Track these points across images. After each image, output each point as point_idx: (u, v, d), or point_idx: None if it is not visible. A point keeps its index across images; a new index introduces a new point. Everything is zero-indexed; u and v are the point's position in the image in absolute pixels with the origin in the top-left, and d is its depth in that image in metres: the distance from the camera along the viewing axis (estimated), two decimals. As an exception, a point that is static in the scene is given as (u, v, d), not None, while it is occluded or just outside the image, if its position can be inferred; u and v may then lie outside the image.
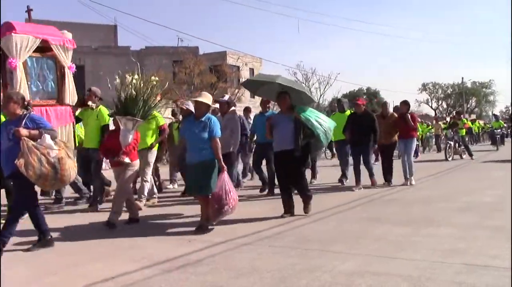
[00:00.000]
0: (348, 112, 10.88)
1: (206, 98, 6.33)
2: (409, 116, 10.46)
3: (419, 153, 21.09)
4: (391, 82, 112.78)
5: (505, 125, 26.18)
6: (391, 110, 11.85)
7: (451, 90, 76.02)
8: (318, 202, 7.74)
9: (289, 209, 6.96)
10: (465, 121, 20.55)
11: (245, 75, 31.60)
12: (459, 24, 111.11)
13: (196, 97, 6.51)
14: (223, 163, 6.08)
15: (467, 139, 19.22)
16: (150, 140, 8.27)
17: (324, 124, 6.95)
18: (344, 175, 10.80)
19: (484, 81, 77.54)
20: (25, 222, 5.79)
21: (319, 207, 7.56)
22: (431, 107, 76.85)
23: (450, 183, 10.71)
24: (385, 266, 4.29)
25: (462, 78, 66.23)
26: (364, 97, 67.24)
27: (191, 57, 22.95)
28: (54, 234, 5.85)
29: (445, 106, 77.26)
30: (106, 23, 33.71)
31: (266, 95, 8.30)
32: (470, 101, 76.29)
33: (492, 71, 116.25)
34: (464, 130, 18.87)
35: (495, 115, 30.72)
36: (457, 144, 17.92)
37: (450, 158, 17.38)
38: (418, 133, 22.99)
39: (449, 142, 17.91)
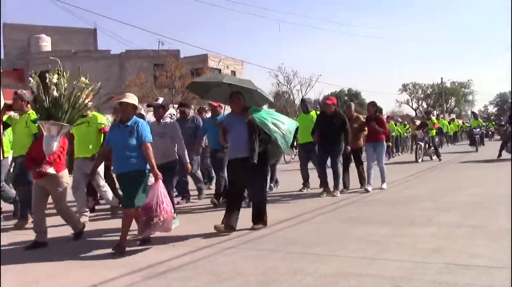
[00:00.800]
0: (313, 113, 10.23)
1: (132, 98, 5.57)
2: (378, 119, 9.88)
3: (393, 155, 21.00)
4: (372, 83, 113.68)
5: (483, 124, 25.11)
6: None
7: (431, 90, 76.96)
8: (301, 204, 7.75)
9: (231, 221, 6.12)
10: (435, 121, 19.63)
11: (226, 77, 31.62)
12: (438, 25, 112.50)
13: (120, 98, 5.69)
14: (157, 171, 5.33)
15: (437, 139, 18.85)
16: (95, 147, 7.39)
17: (283, 127, 6.19)
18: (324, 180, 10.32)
19: (463, 81, 78.74)
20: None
21: (301, 209, 7.58)
22: (412, 107, 77.74)
23: (431, 183, 10.80)
24: (368, 267, 4.30)
25: (442, 78, 67.20)
26: (346, 98, 67.80)
27: (172, 60, 22.85)
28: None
29: (425, 106, 78.12)
30: (86, 27, 33.44)
31: (217, 98, 7.60)
32: (450, 100, 77.33)
33: (470, 71, 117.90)
34: (434, 131, 18.36)
35: (473, 113, 28.90)
36: (427, 145, 17.52)
37: (420, 160, 16.88)
38: (394, 134, 22.50)
39: (419, 143, 17.49)
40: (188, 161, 7.23)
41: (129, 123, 5.45)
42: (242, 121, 6.18)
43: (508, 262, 4.20)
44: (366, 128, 9.76)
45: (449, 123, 33.15)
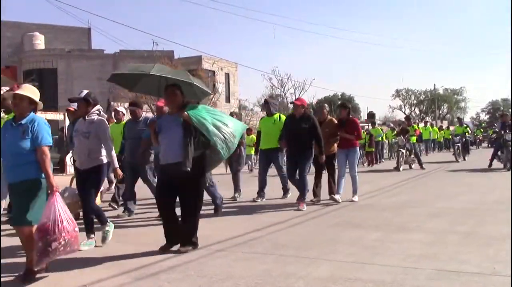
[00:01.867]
0: (276, 115, 9.25)
1: (28, 90, 4.52)
2: (351, 122, 8.97)
3: (377, 161, 20.33)
4: (366, 88, 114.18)
5: (469, 130, 21.99)
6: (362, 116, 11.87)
7: (424, 96, 77.30)
8: (292, 208, 7.76)
9: (172, 239, 5.33)
10: (416, 127, 18.44)
11: (220, 79, 31.60)
12: (432, 32, 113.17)
13: (15, 90, 4.83)
14: (53, 182, 4.32)
15: (417, 147, 17.73)
16: None
17: (225, 129, 5.21)
18: (286, 191, 9.60)
19: (456, 88, 79.16)
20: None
21: (294, 213, 7.60)
22: (404, 113, 77.91)
23: (423, 189, 10.85)
24: (359, 272, 4.31)
25: (434, 84, 67.48)
26: (339, 102, 68.04)
27: (166, 61, 22.80)
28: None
29: (417, 112, 78.50)
30: (80, 26, 33.34)
31: (149, 91, 6.53)
32: (442, 107, 77.66)
33: (463, 78, 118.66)
34: (414, 137, 17.23)
35: (459, 119, 26.08)
36: (408, 153, 16.47)
37: (401, 168, 15.85)
38: (383, 139, 21.69)
39: (401, 150, 16.23)
40: (117, 166, 5.86)
41: (23, 122, 4.40)
42: (177, 120, 5.19)
43: (498, 268, 4.24)
44: (338, 134, 8.93)
45: (439, 129, 33.27)
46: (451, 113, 79.32)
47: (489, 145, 35.42)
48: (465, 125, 21.74)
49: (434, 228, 6.24)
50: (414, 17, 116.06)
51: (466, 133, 20.57)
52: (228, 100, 32.42)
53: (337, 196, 8.63)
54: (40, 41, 31.26)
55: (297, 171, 8.33)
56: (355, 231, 6.16)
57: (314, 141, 8.17)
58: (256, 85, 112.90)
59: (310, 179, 8.51)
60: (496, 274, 4.12)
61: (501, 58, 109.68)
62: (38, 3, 78.79)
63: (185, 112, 5.14)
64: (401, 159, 16.02)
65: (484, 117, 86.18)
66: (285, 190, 9.61)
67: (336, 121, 9.12)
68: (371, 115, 58.82)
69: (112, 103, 21.18)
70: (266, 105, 9.66)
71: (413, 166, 16.57)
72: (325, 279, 4.14)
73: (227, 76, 33.38)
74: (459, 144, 19.84)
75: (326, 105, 10.09)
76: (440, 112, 75.24)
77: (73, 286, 4.17)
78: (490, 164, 15.33)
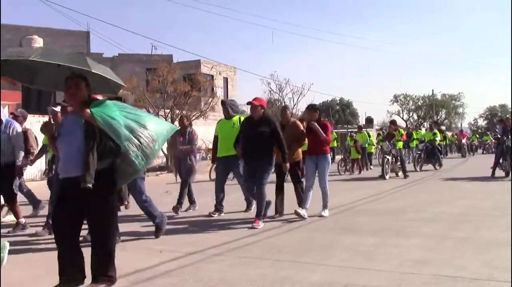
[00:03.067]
0: (236, 118, 8.18)
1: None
2: (321, 126, 7.70)
3: (365, 168, 18.87)
4: (364, 93, 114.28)
5: (438, 138, 19.20)
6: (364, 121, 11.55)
7: (422, 101, 77.44)
8: (289, 212, 7.74)
9: (71, 271, 4.01)
10: (403, 131, 16.93)
11: (219, 83, 31.61)
12: (430, 37, 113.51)
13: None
14: None
15: (404, 153, 16.36)
16: None
17: (142, 132, 4.03)
18: (249, 203, 8.41)
19: (454, 94, 79.35)
20: None
21: (291, 216, 7.57)
22: (402, 118, 78.07)
23: (419, 194, 10.85)
24: (355, 277, 4.30)
25: (433, 90, 67.44)
26: (337, 107, 68.06)
27: (165, 65, 22.80)
28: (16, 247, 5.71)
29: (416, 117, 78.62)
30: (79, 29, 33.33)
31: (52, 85, 4.69)
32: (440, 113, 77.79)
33: (461, 84, 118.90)
34: (401, 143, 15.95)
35: (435, 123, 22.67)
36: (394, 159, 15.31)
37: (387, 176, 14.67)
38: (367, 146, 19.66)
39: (386, 156, 14.88)
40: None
41: None
42: (79, 122, 3.94)
43: (495, 274, 4.23)
44: (305, 139, 7.87)
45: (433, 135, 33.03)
46: (449, 118, 79.49)
47: (484, 151, 34.88)
48: (436, 131, 19.58)
49: (430, 233, 6.23)
50: (412, 23, 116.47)
51: (436, 140, 18.57)
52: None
53: (302, 211, 7.46)
54: (39, 44, 31.20)
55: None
56: (351, 236, 6.15)
57: (276, 147, 7.18)
58: (254, 90, 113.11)
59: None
60: (492, 280, 4.11)
61: (499, 64, 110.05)
62: (37, 6, 79.01)
63: (87, 110, 3.87)
64: (386, 166, 14.78)
65: (482, 123, 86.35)
66: (248, 203, 8.44)
67: (301, 124, 8.00)
68: (369, 120, 58.97)
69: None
70: (224, 107, 8.40)
71: (399, 173, 15.44)
72: (321, 284, 4.12)
73: (226, 80, 33.41)
74: (421, 152, 18.06)
75: (288, 105, 9.49)
76: (438, 117, 75.32)
77: (68, 290, 4.13)
78: (493, 173, 14.06)
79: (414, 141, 17.07)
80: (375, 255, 5.12)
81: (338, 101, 67.15)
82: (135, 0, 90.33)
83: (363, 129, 21.30)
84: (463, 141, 31.33)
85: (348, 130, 34.10)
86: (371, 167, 19.75)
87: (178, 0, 75.33)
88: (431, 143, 18.06)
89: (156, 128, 4.19)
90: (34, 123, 18.32)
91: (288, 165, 7.28)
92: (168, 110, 21.51)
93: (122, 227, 7.20)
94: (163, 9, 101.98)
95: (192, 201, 8.91)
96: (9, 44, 30.79)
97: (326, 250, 5.40)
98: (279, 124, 7.55)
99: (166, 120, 20.80)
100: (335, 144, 20.51)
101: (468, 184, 12.60)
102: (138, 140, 4.00)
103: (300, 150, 7.99)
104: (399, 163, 15.38)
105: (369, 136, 20.26)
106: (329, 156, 7.93)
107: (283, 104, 34.18)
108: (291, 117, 8.24)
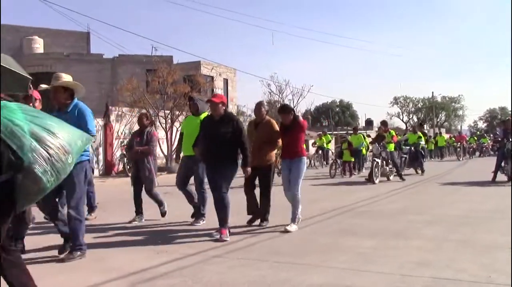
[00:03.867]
0: (205, 115, 7.14)
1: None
2: (296, 124, 6.92)
3: (356, 171, 17.91)
4: (364, 95, 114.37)
5: (422, 141, 18.15)
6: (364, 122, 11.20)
7: (422, 104, 77.56)
8: (288, 214, 7.73)
9: None
10: (393, 133, 15.84)
11: (219, 85, 31.63)
12: (430, 40, 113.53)
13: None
14: None
15: (396, 155, 15.36)
16: None
17: (51, 142, 3.19)
18: (199, 214, 7.43)
19: (454, 96, 79.50)
20: None
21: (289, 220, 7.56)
22: (402, 120, 78.23)
23: (420, 196, 10.85)
24: (354, 279, 4.30)
25: (432, 92, 67.54)
26: (337, 109, 68.15)
27: (165, 66, 22.80)
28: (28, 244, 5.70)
29: (415, 119, 78.72)
30: (79, 30, 33.38)
31: None
32: (440, 115, 77.91)
33: (461, 86, 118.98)
34: (392, 145, 15.03)
35: (419, 125, 20.84)
36: (384, 163, 14.51)
37: (377, 180, 13.87)
38: (363, 148, 18.74)
39: (376, 159, 14.07)
40: None
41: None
42: None
43: (494, 277, 4.23)
44: (279, 141, 7.17)
45: (435, 137, 32.46)
46: (448, 121, 79.58)
47: (481, 155, 33.87)
48: (419, 133, 18.52)
49: (430, 235, 6.23)
50: (412, 26, 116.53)
51: (420, 143, 17.61)
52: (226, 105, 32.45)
53: (291, 227, 6.67)
54: (39, 45, 31.28)
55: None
56: (351, 238, 6.15)
57: (238, 146, 6.40)
58: (254, 91, 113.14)
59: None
60: (492, 283, 4.11)
61: (499, 67, 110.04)
62: (37, 7, 79.04)
63: None
64: (375, 170, 13.87)
65: (481, 125, 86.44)
66: (198, 214, 7.44)
67: (276, 124, 7.28)
68: (369, 122, 59.00)
69: (110, 107, 21.16)
70: (191, 103, 7.64)
71: (391, 177, 14.68)
72: (320, 285, 4.12)
73: (226, 81, 33.41)
74: (406, 156, 16.64)
75: (264, 102, 8.05)
76: (438, 120, 75.41)
77: (68, 290, 4.15)
78: (494, 177, 13.26)
79: (392, 145, 15.13)
80: (374, 257, 5.12)
81: (338, 103, 67.24)
82: (135, 1, 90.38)
83: (359, 131, 20.40)
84: (464, 144, 30.59)
85: (343, 132, 33.87)
86: (364, 170, 18.62)
87: (178, 2, 75.31)
88: (414, 147, 17.11)
89: (69, 137, 3.36)
90: None
91: (249, 169, 6.43)
92: (168, 111, 21.51)
93: (120, 228, 7.22)
94: (163, 11, 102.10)
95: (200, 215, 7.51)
96: (10, 45, 30.83)
97: (325, 252, 5.40)
98: (253, 122, 7.36)
99: (166, 121, 20.79)
100: (328, 146, 20.29)
101: (468, 187, 12.58)
102: (47, 152, 3.15)
103: (273, 153, 7.30)
104: (390, 166, 14.70)
105: (364, 139, 19.41)
106: (305, 160, 7.10)
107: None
108: (266, 114, 7.39)
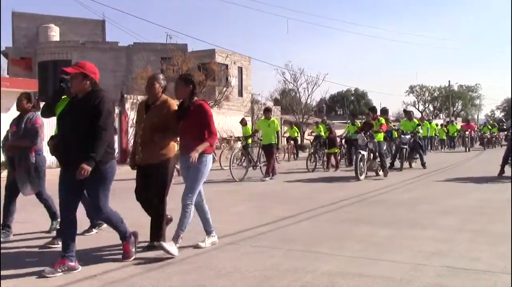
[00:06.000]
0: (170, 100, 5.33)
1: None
2: (196, 108, 5.08)
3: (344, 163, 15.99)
4: (380, 83, 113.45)
5: (420, 129, 15.90)
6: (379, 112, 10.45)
7: (438, 93, 76.71)
8: (302, 202, 7.74)
9: None
10: (383, 120, 13.37)
11: (233, 73, 31.57)
12: (448, 28, 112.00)
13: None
14: None
15: (385, 147, 13.35)
16: None
17: None
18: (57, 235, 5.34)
19: (471, 85, 78.45)
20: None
21: (303, 208, 7.57)
22: (418, 109, 77.45)
23: (436, 186, 10.77)
24: (368, 268, 4.30)
25: (449, 81, 66.86)
26: (352, 98, 67.68)
27: (180, 54, 22.80)
28: (37, 233, 5.80)
29: (431, 108, 77.97)
30: (94, 18, 33.49)
31: None
32: (457, 104, 77.03)
33: (478, 75, 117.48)
34: (381, 135, 12.79)
35: (406, 112, 17.64)
36: (372, 155, 12.39)
37: (363, 176, 11.83)
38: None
39: (361, 152, 11.93)
40: None
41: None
42: None
43: (509, 267, 4.19)
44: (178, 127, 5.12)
45: (446, 125, 30.49)
46: (465, 110, 78.69)
47: (490, 145, 28.31)
48: (415, 120, 16.08)
49: (445, 225, 6.19)
50: (429, 13, 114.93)
51: (419, 132, 15.56)
52: (241, 94, 32.33)
53: (170, 248, 4.76)
54: (55, 33, 31.44)
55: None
56: (365, 227, 6.14)
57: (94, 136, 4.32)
58: (269, 80, 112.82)
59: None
60: (506, 272, 4.07)
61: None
62: (53, -5, 79.31)
63: None
64: (360, 164, 11.84)
65: (499, 114, 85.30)
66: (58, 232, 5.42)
67: (174, 104, 5.28)
68: (384, 111, 58.61)
69: (125, 95, 21.28)
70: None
71: (380, 172, 12.64)
72: (334, 274, 4.13)
73: (240, 70, 33.30)
74: (406, 146, 14.47)
75: (160, 75, 5.50)
76: (455, 109, 74.61)
77: (84, 276, 4.20)
78: (501, 172, 11.88)
79: (381, 135, 12.79)
80: (388, 246, 5.11)
81: (353, 92, 66.77)
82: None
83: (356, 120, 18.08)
84: (472, 133, 27.26)
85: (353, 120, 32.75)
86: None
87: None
88: (412, 136, 14.87)
89: None
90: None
91: (86, 167, 4.20)
92: (182, 99, 21.57)
93: (131, 215, 7.27)
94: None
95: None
96: (26, 33, 31.06)
97: (339, 240, 5.40)
98: (143, 103, 5.37)
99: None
100: (326, 135, 16.15)
101: (477, 180, 12.38)
102: None
103: (171, 146, 5.28)
104: (378, 160, 12.56)
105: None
106: (209, 158, 5.12)
107: (298, 95, 34.21)
108: (163, 92, 5.33)
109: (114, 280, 4.10)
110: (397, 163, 14.59)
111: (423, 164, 14.82)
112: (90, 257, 4.87)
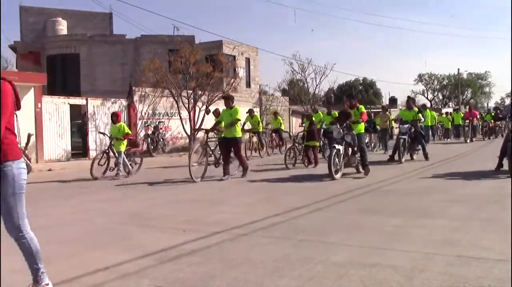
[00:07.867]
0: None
1: None
2: None
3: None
4: (388, 72, 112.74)
5: (421, 117, 14.31)
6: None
7: (447, 81, 76.12)
8: (314, 193, 7.75)
9: None
10: (363, 109, 11.78)
11: (241, 64, 31.52)
12: (456, 16, 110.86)
13: None
14: None
15: (367, 140, 12.02)
16: None
17: None
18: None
19: (480, 73, 77.74)
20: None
21: (315, 197, 7.58)
22: (427, 98, 76.98)
23: (443, 175, 10.72)
24: (378, 257, 4.30)
25: (458, 69, 66.10)
26: (360, 87, 67.30)
27: (187, 46, 22.77)
28: (54, 223, 5.85)
29: (440, 97, 77.43)
30: (102, 11, 33.51)
31: None
32: (466, 92, 76.43)
33: (488, 62, 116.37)
34: (361, 125, 11.24)
35: (410, 99, 15.28)
36: (350, 150, 10.73)
37: (339, 174, 10.23)
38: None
39: (336, 146, 10.28)
40: None
41: None
42: None
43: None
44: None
45: (451, 114, 29.04)
46: (475, 98, 78.05)
47: (492, 135, 27.05)
48: (416, 109, 14.47)
49: (456, 214, 6.18)
50: (438, 1, 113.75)
51: (419, 121, 14.03)
52: (248, 85, 32.31)
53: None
54: (63, 27, 31.51)
55: None
56: (376, 216, 6.14)
57: None
58: (276, 70, 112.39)
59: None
60: (518, 261, 4.06)
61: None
62: (60, -12, 79.32)
63: None
64: (336, 160, 10.21)
65: (508, 102, 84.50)
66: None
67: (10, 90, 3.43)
68: (392, 100, 58.23)
69: (133, 87, 21.32)
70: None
71: (361, 169, 11.00)
72: (344, 264, 4.14)
73: (248, 61, 33.23)
74: (405, 137, 13.37)
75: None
76: (464, 97, 74.03)
77: (96, 268, 4.24)
78: (499, 166, 10.65)
79: (361, 125, 11.25)
80: (398, 235, 5.11)
81: (362, 81, 66.40)
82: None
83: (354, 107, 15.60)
84: (474, 121, 25.17)
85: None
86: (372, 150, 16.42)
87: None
88: (413, 126, 13.72)
89: None
90: (60, 104, 18.62)
91: None
92: (190, 91, 21.57)
93: (144, 208, 7.33)
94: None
95: None
96: (34, 27, 31.16)
97: (350, 230, 5.41)
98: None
99: (188, 101, 20.84)
100: (319, 125, 14.15)
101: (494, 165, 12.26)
102: None
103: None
104: (358, 155, 10.97)
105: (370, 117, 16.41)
106: (22, 164, 3.46)
107: (306, 85, 34.06)
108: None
109: (127, 272, 4.14)
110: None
111: (426, 155, 13.79)
112: (102, 247, 4.91)
